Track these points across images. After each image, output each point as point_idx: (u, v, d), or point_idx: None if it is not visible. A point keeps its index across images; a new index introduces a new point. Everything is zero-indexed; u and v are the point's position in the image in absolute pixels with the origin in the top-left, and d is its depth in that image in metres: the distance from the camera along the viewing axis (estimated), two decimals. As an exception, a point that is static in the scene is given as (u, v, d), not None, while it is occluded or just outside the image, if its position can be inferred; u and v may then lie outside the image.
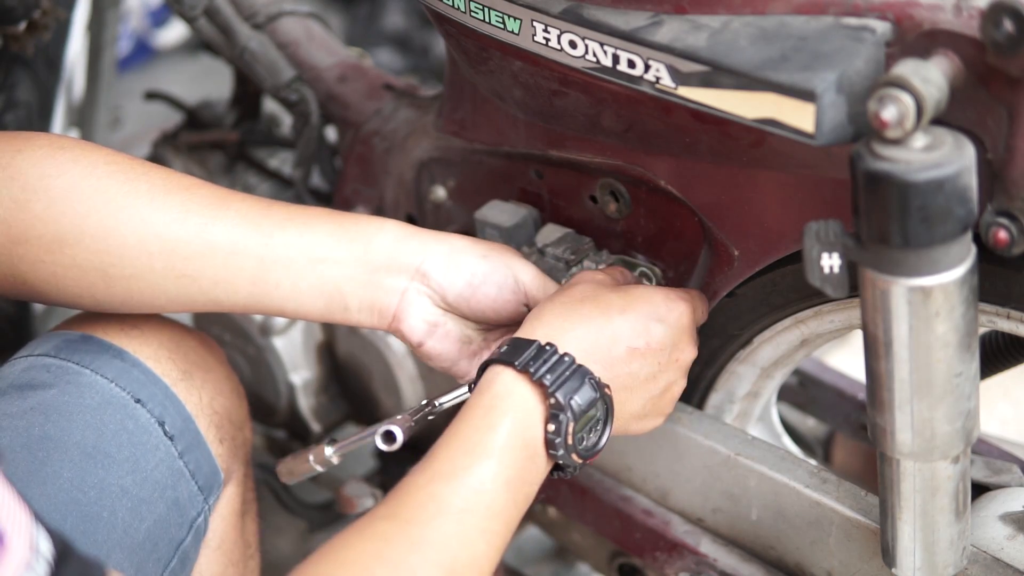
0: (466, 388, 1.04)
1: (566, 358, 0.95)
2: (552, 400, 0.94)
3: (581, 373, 0.95)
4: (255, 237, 1.02)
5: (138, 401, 1.09)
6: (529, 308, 1.06)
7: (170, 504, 1.09)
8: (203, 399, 1.14)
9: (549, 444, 0.95)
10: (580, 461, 0.96)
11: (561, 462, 0.96)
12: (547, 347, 0.96)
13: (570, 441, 0.94)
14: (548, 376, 0.94)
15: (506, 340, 0.98)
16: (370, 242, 1.03)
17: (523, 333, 0.98)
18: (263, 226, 1.02)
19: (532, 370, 0.94)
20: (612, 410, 0.98)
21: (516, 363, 0.94)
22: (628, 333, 0.99)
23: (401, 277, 1.04)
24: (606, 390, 0.97)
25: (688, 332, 1.04)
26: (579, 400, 0.94)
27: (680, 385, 1.05)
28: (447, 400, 1.06)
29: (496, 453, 0.92)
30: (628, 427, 1.03)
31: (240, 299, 1.04)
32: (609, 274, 1.08)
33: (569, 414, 0.94)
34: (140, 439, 1.08)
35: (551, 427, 0.94)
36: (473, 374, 1.01)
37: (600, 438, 0.98)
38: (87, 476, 1.04)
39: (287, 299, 1.04)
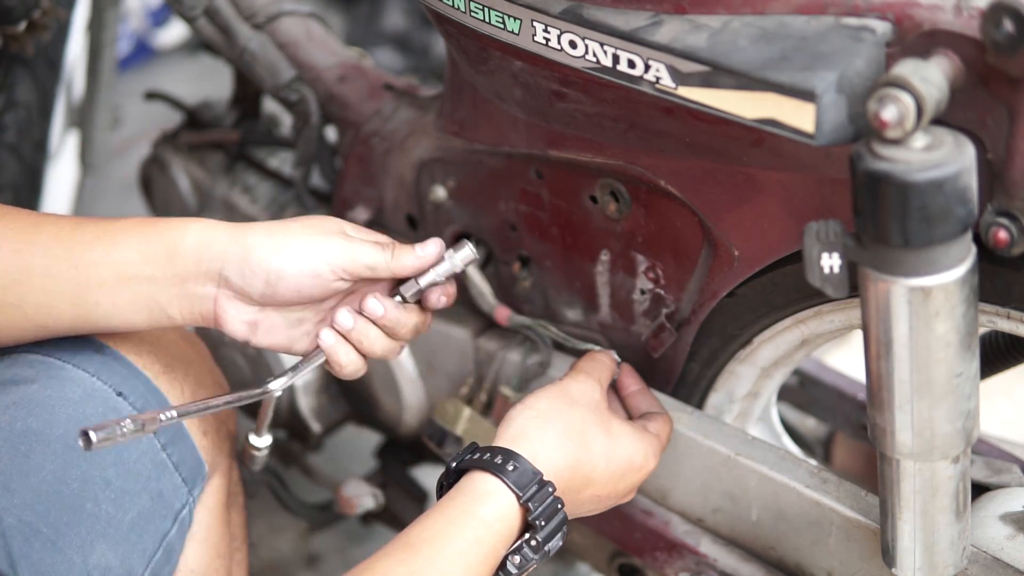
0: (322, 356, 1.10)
1: (558, 503, 1.02)
2: (533, 542, 1.01)
3: (562, 517, 1.02)
4: (66, 260, 1.02)
5: (120, 394, 1.10)
6: (346, 281, 1.06)
7: (154, 496, 1.10)
8: (186, 392, 1.15)
9: (503, 567, 1.01)
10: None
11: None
12: (548, 485, 1.02)
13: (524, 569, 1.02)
14: (541, 519, 1.01)
15: (498, 449, 1.03)
16: (175, 253, 1.03)
17: (517, 444, 1.03)
18: (73, 249, 1.02)
19: (528, 502, 1.00)
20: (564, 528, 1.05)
21: (512, 484, 1.00)
22: (600, 482, 1.07)
23: (208, 284, 1.04)
24: (565, 528, 1.04)
25: (649, 472, 1.11)
26: (550, 548, 1.02)
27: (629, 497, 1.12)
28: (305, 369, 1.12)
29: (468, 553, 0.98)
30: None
31: (66, 321, 1.05)
32: (600, 385, 1.12)
33: (539, 556, 1.02)
34: None
35: (516, 559, 1.01)
36: (311, 347, 1.09)
37: (543, 556, 1.04)
38: (70, 468, 1.06)
39: (111, 316, 1.05)
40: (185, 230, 1.04)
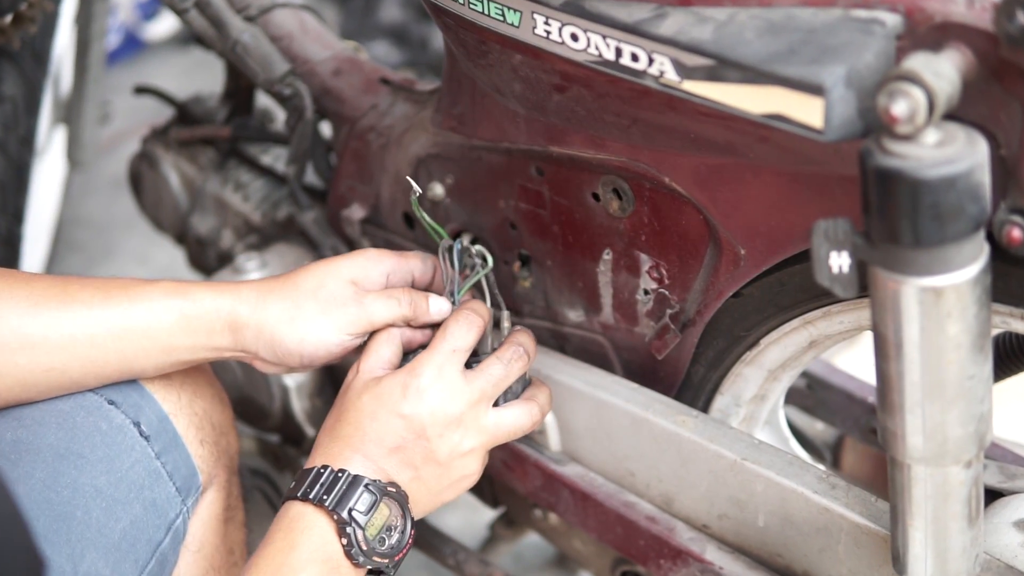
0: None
1: (340, 475, 1.07)
2: (336, 516, 1.05)
3: (355, 484, 1.06)
4: (106, 328, 1.09)
5: (111, 402, 1.12)
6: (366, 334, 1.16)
7: (147, 505, 1.11)
8: (182, 399, 1.17)
9: (348, 555, 1.06)
10: (387, 561, 1.08)
11: (371, 567, 1.07)
12: (322, 470, 1.08)
13: (365, 547, 1.06)
14: (326, 497, 1.06)
15: (295, 476, 1.11)
16: (212, 330, 1.12)
17: (307, 463, 1.11)
18: (110, 317, 1.10)
19: (312, 495, 1.06)
20: (406, 505, 1.09)
21: (299, 495, 1.07)
22: (381, 435, 1.10)
23: (243, 355, 1.15)
24: (389, 488, 1.08)
25: (440, 406, 1.11)
26: (360, 509, 1.06)
27: (469, 443, 1.13)
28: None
29: (303, 567, 1.04)
30: (435, 504, 1.14)
31: (110, 375, 1.12)
32: (378, 354, 1.14)
33: (354, 525, 1.05)
34: (114, 439, 1.11)
35: (344, 540, 1.06)
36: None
37: (404, 535, 1.09)
38: (60, 476, 1.07)
39: (154, 369, 1.14)
40: (218, 309, 1.12)
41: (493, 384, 1.13)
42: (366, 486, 1.06)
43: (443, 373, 1.11)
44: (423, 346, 1.17)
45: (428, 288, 1.21)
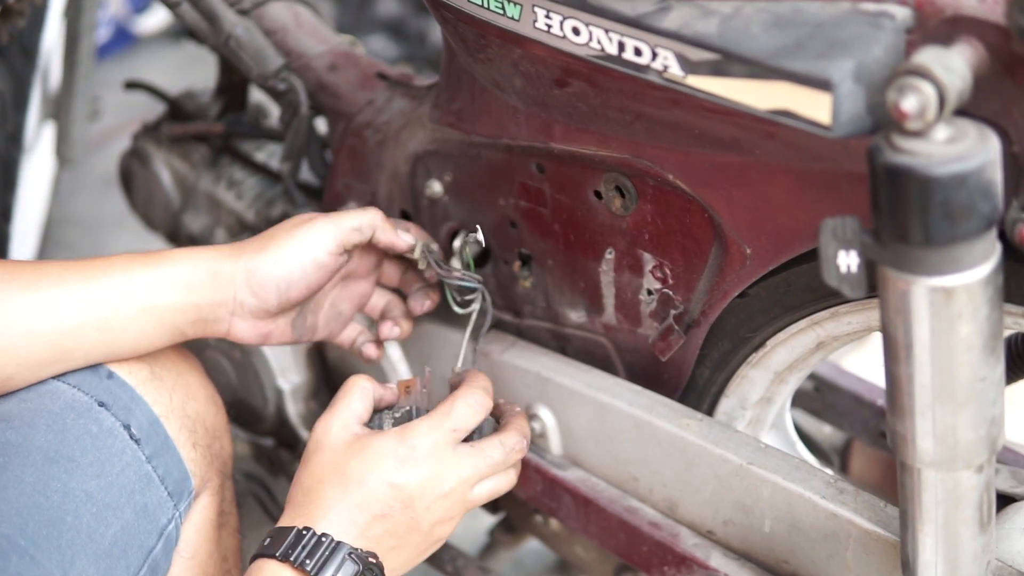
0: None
1: (323, 539, 1.06)
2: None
3: (338, 550, 1.06)
4: (86, 291, 1.11)
5: (102, 404, 1.12)
6: (343, 254, 1.19)
7: (138, 510, 1.11)
8: (174, 401, 1.17)
9: None
10: None
11: None
12: (304, 531, 1.07)
13: None
14: (308, 561, 1.05)
15: (269, 532, 1.09)
16: (190, 283, 1.14)
17: (282, 520, 1.10)
18: (90, 280, 1.11)
19: (292, 558, 1.05)
20: (383, 573, 1.09)
21: (277, 555, 1.05)
22: (368, 502, 1.09)
23: (222, 310, 1.16)
24: (370, 559, 1.08)
25: (431, 480, 1.11)
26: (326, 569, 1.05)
27: (452, 513, 1.14)
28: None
29: None
30: (407, 569, 1.14)
31: (89, 347, 1.12)
32: (351, 409, 1.14)
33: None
34: (105, 443, 1.11)
35: None
36: (316, 336, 1.25)
37: None
38: (50, 480, 1.07)
39: (137, 342, 1.15)
40: (193, 262, 1.15)
41: (489, 466, 1.14)
42: (349, 554, 1.06)
43: (439, 448, 1.11)
44: (390, 407, 1.18)
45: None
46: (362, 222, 1.19)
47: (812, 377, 1.46)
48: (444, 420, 1.12)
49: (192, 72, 2.27)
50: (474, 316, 1.24)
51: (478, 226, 1.21)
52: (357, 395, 1.15)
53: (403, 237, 1.23)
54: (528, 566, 1.85)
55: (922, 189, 0.80)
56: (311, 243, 1.17)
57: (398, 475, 1.09)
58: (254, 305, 1.16)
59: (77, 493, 1.07)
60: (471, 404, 1.14)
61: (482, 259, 1.34)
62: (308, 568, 1.04)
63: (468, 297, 1.21)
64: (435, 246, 1.25)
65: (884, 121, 0.84)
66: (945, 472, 0.93)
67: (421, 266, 1.24)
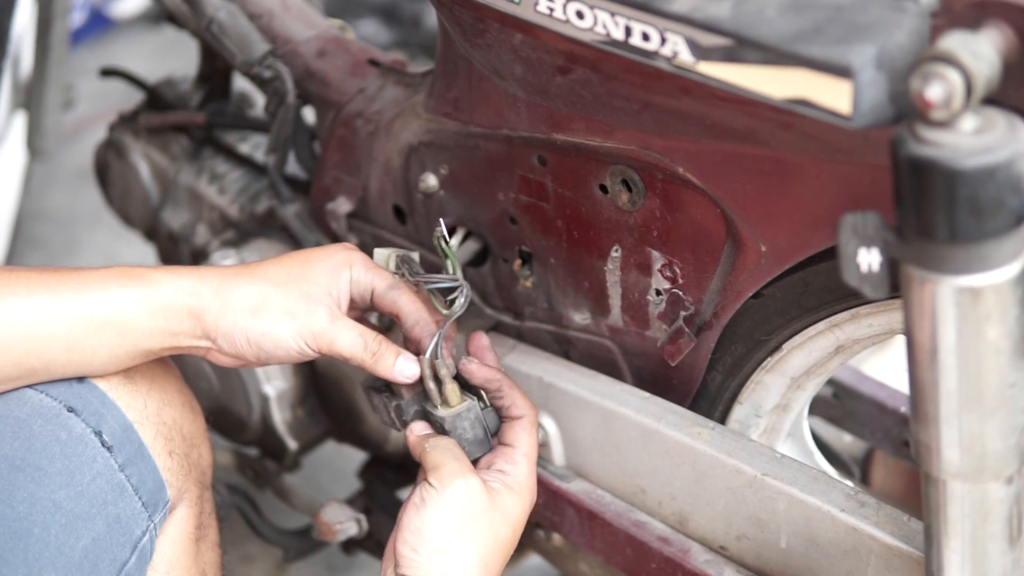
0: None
1: None
2: None
3: None
4: (54, 313, 1.09)
5: (71, 410, 1.12)
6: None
7: (110, 521, 1.11)
8: (149, 407, 1.16)
9: None
10: None
11: None
12: None
13: None
14: None
15: None
16: (169, 312, 1.12)
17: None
18: (60, 303, 1.10)
19: None
20: None
21: None
22: (503, 544, 1.15)
23: (203, 341, 1.15)
24: None
25: (531, 501, 1.19)
26: None
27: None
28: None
29: None
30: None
31: (58, 368, 1.12)
32: (460, 462, 1.15)
33: None
34: (74, 450, 1.10)
35: None
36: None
37: None
38: (16, 490, 1.07)
39: (106, 365, 1.14)
40: (176, 286, 1.13)
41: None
42: None
43: (532, 475, 1.19)
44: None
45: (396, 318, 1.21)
46: (354, 356, 1.16)
47: (831, 383, 1.46)
48: (533, 451, 1.19)
49: (172, 58, 2.27)
50: (456, 311, 1.23)
51: (441, 220, 1.19)
52: (453, 455, 1.16)
53: (399, 371, 1.18)
54: (529, 584, 1.85)
55: (948, 183, 0.80)
56: (300, 334, 1.14)
57: (517, 510, 1.16)
58: (230, 353, 1.15)
59: (45, 503, 1.07)
60: (534, 431, 1.20)
61: (480, 257, 1.34)
62: None
63: (451, 296, 1.20)
64: (415, 254, 1.23)
65: (907, 111, 0.85)
66: (972, 484, 0.93)
67: (399, 276, 1.22)
